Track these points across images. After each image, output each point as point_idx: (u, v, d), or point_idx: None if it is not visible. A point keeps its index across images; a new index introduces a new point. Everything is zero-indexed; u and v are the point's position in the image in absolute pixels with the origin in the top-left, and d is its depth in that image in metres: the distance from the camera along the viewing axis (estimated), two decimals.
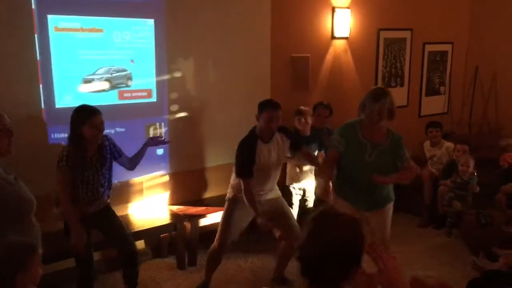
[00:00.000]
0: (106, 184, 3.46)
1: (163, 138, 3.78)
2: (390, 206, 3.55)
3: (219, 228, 3.81)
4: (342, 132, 3.47)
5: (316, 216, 1.63)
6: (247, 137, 3.66)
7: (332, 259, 1.53)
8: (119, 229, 3.53)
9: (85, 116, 3.19)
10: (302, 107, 4.68)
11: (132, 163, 3.63)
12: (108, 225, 3.49)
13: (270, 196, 3.79)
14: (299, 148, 3.85)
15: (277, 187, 3.90)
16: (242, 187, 3.57)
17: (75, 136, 3.21)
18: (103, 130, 3.28)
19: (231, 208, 3.75)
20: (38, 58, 3.70)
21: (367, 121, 3.38)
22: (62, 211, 3.25)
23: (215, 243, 3.81)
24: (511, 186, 4.92)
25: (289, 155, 4.01)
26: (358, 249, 1.56)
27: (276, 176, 3.81)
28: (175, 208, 4.51)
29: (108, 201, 3.54)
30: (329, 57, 5.57)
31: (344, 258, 1.54)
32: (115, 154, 3.50)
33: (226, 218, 3.77)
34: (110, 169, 3.47)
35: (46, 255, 3.40)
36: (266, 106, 3.53)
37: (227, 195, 3.82)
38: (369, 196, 3.43)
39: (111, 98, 4.08)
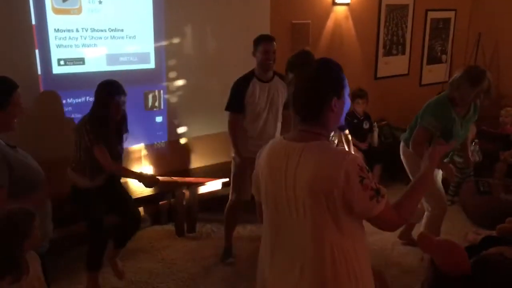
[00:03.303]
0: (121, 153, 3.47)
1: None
2: None
3: (231, 185, 3.89)
4: (439, 115, 3.32)
5: None
6: (244, 74, 3.68)
7: None
8: (129, 203, 3.57)
9: (114, 91, 3.19)
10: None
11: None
12: (118, 196, 3.48)
13: None
14: None
15: None
16: (228, 120, 3.67)
17: (103, 108, 3.19)
18: (123, 107, 3.29)
19: (235, 165, 3.81)
20: (33, 23, 3.63)
21: (458, 100, 3.33)
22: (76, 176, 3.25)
23: (229, 201, 3.90)
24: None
25: None
26: None
27: (277, 127, 3.73)
28: (174, 175, 4.51)
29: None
30: (329, 24, 5.48)
31: None
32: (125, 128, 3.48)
33: (233, 176, 3.84)
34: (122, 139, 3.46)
35: (62, 218, 3.46)
36: (261, 39, 3.57)
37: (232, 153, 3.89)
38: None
39: (110, 64, 4.02)
